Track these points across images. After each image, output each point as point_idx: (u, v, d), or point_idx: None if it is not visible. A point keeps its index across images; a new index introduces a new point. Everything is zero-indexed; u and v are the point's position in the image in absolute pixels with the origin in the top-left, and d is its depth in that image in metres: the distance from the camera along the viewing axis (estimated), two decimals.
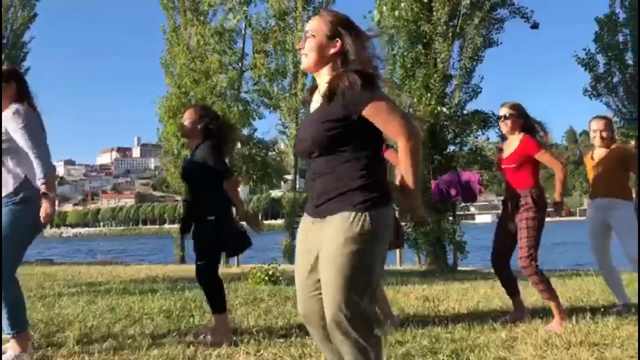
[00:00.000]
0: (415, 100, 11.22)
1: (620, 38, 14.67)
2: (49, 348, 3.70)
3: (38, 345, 3.73)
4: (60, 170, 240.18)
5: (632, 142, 5.21)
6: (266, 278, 7.26)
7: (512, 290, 4.60)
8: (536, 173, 4.42)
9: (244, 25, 13.62)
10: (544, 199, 4.38)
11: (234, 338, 3.87)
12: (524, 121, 4.50)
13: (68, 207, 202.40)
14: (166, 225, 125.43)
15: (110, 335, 4.04)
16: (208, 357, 3.43)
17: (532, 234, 4.25)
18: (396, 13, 11.45)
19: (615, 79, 14.67)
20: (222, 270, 10.11)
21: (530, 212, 4.28)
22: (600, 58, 14.63)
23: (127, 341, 3.85)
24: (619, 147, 5.09)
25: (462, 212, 16.16)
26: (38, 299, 5.97)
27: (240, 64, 13.69)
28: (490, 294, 5.98)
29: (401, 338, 3.79)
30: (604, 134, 4.95)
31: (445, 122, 11.44)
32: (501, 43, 12.07)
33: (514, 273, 4.61)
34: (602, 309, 4.64)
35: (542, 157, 4.31)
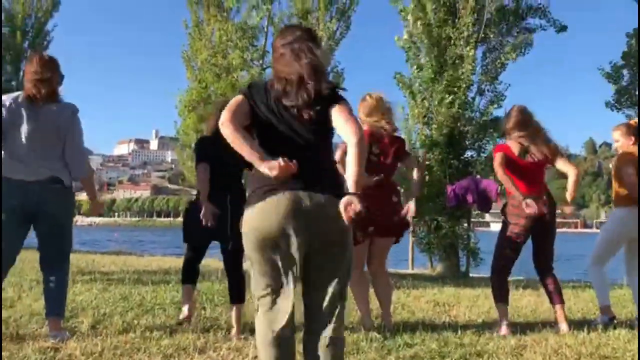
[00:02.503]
0: (436, 103, 11.17)
1: None
2: (63, 332, 3.76)
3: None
4: None
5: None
6: None
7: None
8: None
9: (266, 23, 13.66)
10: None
11: (245, 333, 3.90)
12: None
13: (83, 197, 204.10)
14: (180, 219, 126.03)
15: (122, 323, 4.10)
16: (218, 349, 3.47)
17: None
18: (419, 23, 11.44)
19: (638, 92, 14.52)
20: None
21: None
22: (625, 72, 14.50)
23: (139, 330, 3.90)
24: (619, 155, 5.05)
25: (476, 220, 16.05)
26: None
27: (261, 62, 13.74)
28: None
29: (410, 340, 3.79)
30: (617, 143, 4.98)
31: (464, 128, 11.37)
32: (527, 53, 11.85)
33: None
34: (615, 322, 4.61)
35: None
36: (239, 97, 2.33)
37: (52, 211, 3.65)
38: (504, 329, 4.27)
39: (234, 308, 4.02)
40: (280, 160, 2.13)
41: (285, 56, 2.38)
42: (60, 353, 3.32)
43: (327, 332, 2.29)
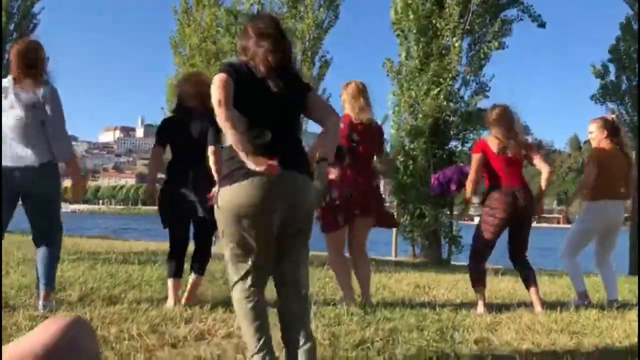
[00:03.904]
0: (422, 94, 11.32)
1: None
2: (52, 301, 3.86)
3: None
4: None
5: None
6: None
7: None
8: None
9: (256, 9, 13.71)
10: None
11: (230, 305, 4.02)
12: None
13: (68, 183, 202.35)
14: None
15: (110, 297, 4.20)
16: (204, 320, 3.57)
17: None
18: (409, 11, 11.57)
19: (624, 87, 14.80)
20: (219, 248, 10.18)
21: None
22: (612, 68, 14.79)
23: (127, 302, 4.00)
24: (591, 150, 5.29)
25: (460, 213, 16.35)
26: None
27: None
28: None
29: (390, 315, 3.93)
30: (591, 135, 5.19)
31: (449, 118, 11.54)
32: (507, 47, 12.07)
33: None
34: (586, 303, 4.80)
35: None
36: (224, 76, 2.34)
37: (40, 191, 3.79)
38: (480, 308, 4.44)
39: (193, 277, 4.26)
40: (268, 161, 2.19)
41: (259, 41, 2.49)
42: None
43: (296, 295, 2.54)
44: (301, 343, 2.44)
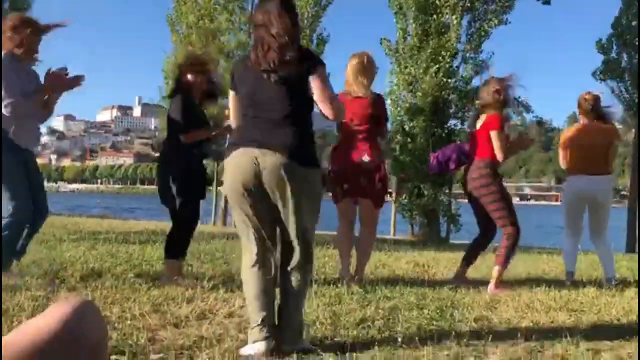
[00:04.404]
0: (421, 71, 11.26)
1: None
2: (54, 282, 3.88)
3: (42, 281, 3.91)
4: (60, 125, 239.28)
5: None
6: None
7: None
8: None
9: None
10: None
11: (232, 285, 4.05)
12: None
13: (66, 162, 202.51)
14: None
15: (111, 276, 4.21)
16: (206, 299, 3.59)
17: None
18: None
19: (623, 64, 14.70)
20: (219, 229, 10.30)
21: None
22: (615, 42, 14.64)
23: (128, 282, 4.02)
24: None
25: (460, 191, 16.39)
26: (39, 243, 6.13)
27: (248, 26, 13.68)
28: (479, 264, 6.14)
29: (389, 294, 3.96)
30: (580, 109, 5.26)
31: (448, 96, 11.50)
32: (510, 22, 11.99)
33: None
34: (583, 282, 4.85)
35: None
36: (234, 96, 2.79)
37: None
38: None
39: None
40: None
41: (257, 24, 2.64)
42: (51, 301, 3.43)
43: (294, 262, 2.66)
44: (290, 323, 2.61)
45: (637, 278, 5.00)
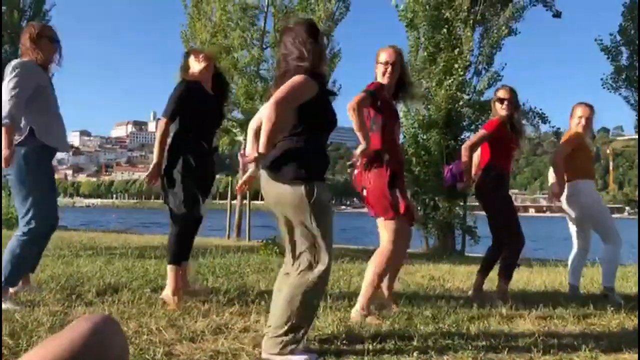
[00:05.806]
0: (434, 84, 11.26)
1: None
2: (71, 297, 3.91)
3: (60, 296, 3.94)
4: (76, 140, 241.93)
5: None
6: (277, 250, 7.46)
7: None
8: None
9: (266, 3, 13.68)
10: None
11: (246, 297, 4.05)
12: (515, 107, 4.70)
13: (82, 178, 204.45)
14: None
15: (128, 291, 4.24)
16: (221, 314, 3.60)
17: None
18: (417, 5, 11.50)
19: (636, 72, 14.40)
20: (234, 242, 10.29)
21: None
22: (624, 50, 14.35)
23: (144, 297, 4.04)
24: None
25: (475, 203, 16.29)
26: (56, 258, 6.20)
27: (261, 42, 13.79)
28: (495, 277, 6.09)
29: (405, 309, 3.94)
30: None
31: (462, 109, 11.48)
32: (520, 32, 11.96)
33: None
34: (602, 296, 4.78)
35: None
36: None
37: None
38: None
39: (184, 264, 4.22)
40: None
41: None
42: (69, 316, 3.46)
43: (293, 269, 2.82)
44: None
45: (637, 290, 4.91)
